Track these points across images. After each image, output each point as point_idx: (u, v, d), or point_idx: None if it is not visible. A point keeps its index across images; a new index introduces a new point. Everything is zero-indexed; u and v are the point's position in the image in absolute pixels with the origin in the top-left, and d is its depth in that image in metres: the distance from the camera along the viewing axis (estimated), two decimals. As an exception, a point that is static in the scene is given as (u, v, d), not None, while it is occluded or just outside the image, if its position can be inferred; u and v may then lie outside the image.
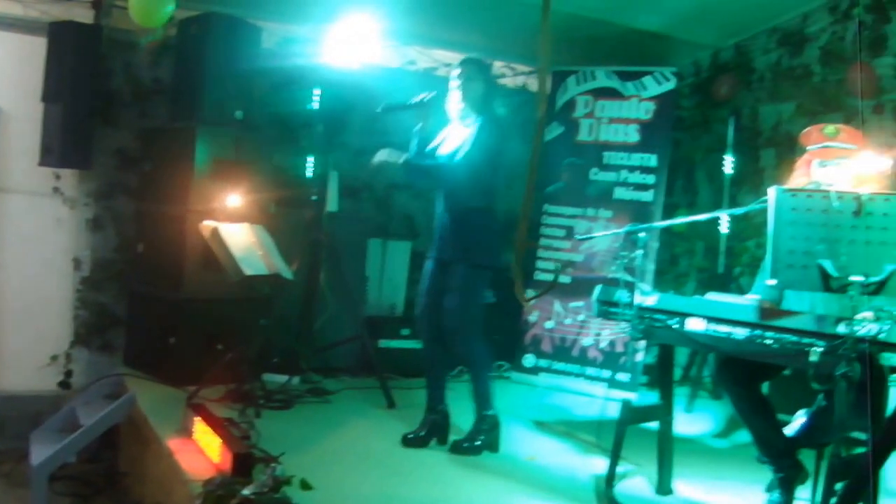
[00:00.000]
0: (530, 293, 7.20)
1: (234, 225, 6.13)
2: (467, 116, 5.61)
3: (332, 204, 7.23)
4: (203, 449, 4.94)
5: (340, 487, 4.76)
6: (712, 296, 4.64)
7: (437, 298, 5.58)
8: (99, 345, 7.31)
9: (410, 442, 5.63)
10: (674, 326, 4.53)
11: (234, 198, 6.39)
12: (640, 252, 5.05)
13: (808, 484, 4.57)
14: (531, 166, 4.57)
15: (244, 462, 4.48)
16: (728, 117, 8.23)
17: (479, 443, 5.58)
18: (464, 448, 5.56)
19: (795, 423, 4.78)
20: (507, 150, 5.62)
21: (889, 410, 4.10)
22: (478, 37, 8.49)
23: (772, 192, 3.94)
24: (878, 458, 2.81)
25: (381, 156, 5.60)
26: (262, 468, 4.49)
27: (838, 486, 3.66)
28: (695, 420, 6.97)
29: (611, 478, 4.71)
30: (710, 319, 4.37)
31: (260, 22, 7.15)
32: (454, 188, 5.57)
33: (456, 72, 5.66)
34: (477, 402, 5.67)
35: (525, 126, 9.25)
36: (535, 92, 9.20)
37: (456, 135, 5.61)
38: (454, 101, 5.64)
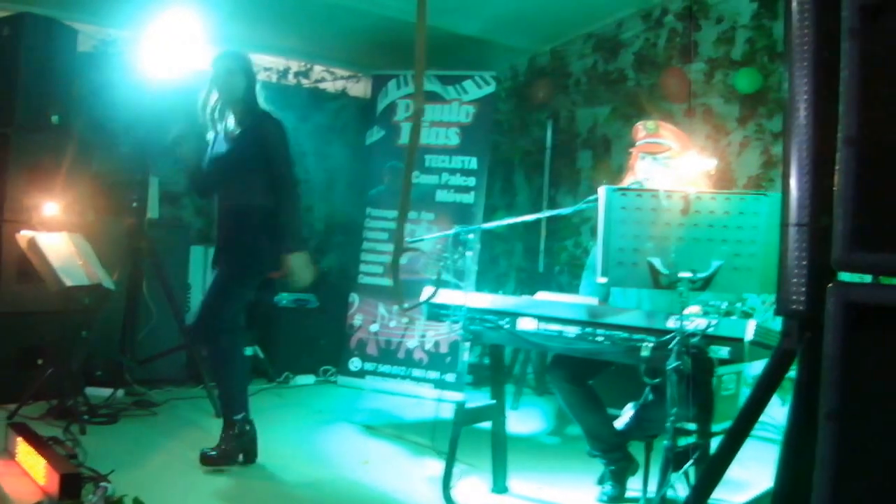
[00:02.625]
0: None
1: (52, 234, 5.92)
2: (230, 114, 5.43)
3: (152, 210, 7.06)
4: (27, 471, 4.69)
5: (175, 502, 4.65)
6: (542, 295, 4.72)
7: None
8: None
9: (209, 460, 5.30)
10: (505, 327, 4.59)
11: (52, 206, 6.18)
12: (469, 253, 5.10)
13: (640, 474, 4.70)
14: (407, 168, 4.51)
15: (72, 482, 4.28)
16: (546, 120, 8.43)
17: (225, 449, 5.17)
18: (210, 457, 5.13)
19: (624, 416, 4.92)
20: (273, 148, 5.36)
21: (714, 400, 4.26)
22: (297, 41, 8.47)
23: (602, 191, 4.04)
24: (729, 451, 2.90)
25: (178, 129, 5.43)
26: (91, 488, 4.34)
27: (673, 476, 3.77)
28: (522, 417, 7.09)
29: (447, 479, 4.74)
30: (542, 319, 4.45)
31: (76, 24, 6.90)
32: (224, 191, 5.43)
33: (213, 67, 5.40)
34: (222, 406, 5.39)
35: (345, 131, 9.32)
36: (354, 96, 9.25)
37: (222, 136, 5.45)
38: (216, 99, 5.42)
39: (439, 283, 4.78)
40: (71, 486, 4.28)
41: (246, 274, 5.40)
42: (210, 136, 5.52)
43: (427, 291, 4.85)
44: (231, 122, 5.43)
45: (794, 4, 2.46)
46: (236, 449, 5.23)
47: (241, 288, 5.42)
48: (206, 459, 5.12)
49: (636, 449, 4.81)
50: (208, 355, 5.41)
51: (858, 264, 2.13)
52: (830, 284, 2.14)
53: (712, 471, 3.01)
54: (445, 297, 4.85)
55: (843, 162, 2.11)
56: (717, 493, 3.18)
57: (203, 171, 5.49)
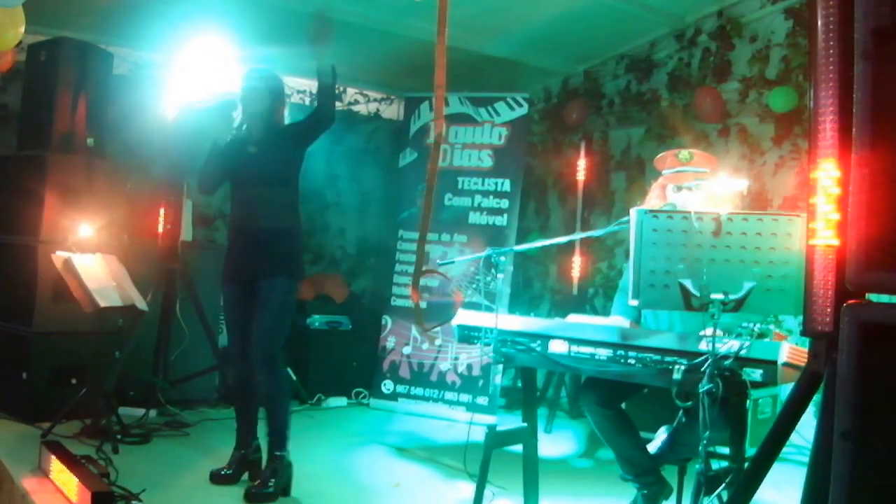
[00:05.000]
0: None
1: (86, 255, 5.97)
2: (255, 128, 5.38)
3: (186, 233, 7.09)
4: (60, 488, 4.73)
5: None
6: (574, 317, 4.69)
7: (246, 324, 5.29)
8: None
9: (218, 479, 5.31)
10: (537, 349, 4.55)
11: (87, 227, 6.22)
12: (500, 276, 5.07)
13: (672, 499, 4.64)
14: (427, 188, 4.47)
15: (104, 501, 4.31)
16: (579, 142, 8.38)
17: (271, 488, 5.08)
18: (255, 495, 5.04)
19: (657, 440, 4.85)
20: (297, 161, 5.38)
21: (749, 423, 4.21)
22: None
23: (633, 213, 4.00)
24: (758, 473, 2.86)
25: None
26: (122, 505, 4.36)
27: (705, 500, 3.71)
28: (555, 440, 7.03)
29: (478, 501, 4.69)
30: (573, 341, 4.41)
31: (111, 47, 7.00)
32: (252, 202, 5.33)
33: (241, 82, 5.40)
34: (272, 440, 5.20)
35: (378, 153, 9.34)
36: (387, 119, 9.27)
37: (247, 146, 5.37)
38: (243, 112, 5.40)
39: (455, 305, 4.76)
40: None
41: (294, 295, 5.39)
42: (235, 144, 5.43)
43: (460, 313, 4.84)
44: (253, 137, 5.37)
45: (819, 23, 2.43)
46: (279, 487, 5.14)
47: (291, 310, 5.41)
48: (253, 498, 5.04)
49: (669, 473, 4.75)
50: (267, 385, 5.18)
51: (872, 284, 2.10)
52: (845, 304, 2.11)
53: (741, 494, 2.97)
54: (477, 319, 4.83)
55: (854, 182, 2.08)
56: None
57: (216, 158, 5.43)
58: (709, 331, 3.88)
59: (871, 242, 2.07)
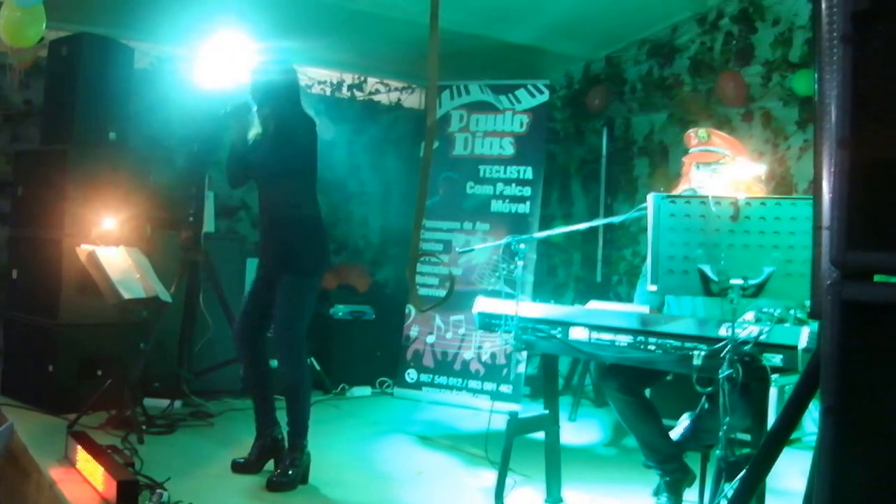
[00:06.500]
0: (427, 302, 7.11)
1: (110, 248, 5.99)
2: (267, 119, 5.31)
3: (208, 224, 7.10)
4: (86, 478, 4.77)
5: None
6: (594, 304, 4.67)
7: (258, 315, 5.33)
8: (-26, 374, 7.06)
9: (240, 468, 5.33)
10: (557, 336, 4.54)
11: (110, 220, 6.23)
12: (520, 263, 5.05)
13: (696, 486, 4.62)
14: (423, 176, 4.48)
15: (129, 489, 4.34)
16: (601, 128, 8.35)
17: (291, 477, 5.10)
18: (276, 483, 5.04)
19: (680, 426, 4.83)
20: (303, 155, 5.30)
21: (772, 410, 4.17)
22: (350, 54, 8.48)
23: (651, 199, 3.98)
24: (766, 459, 2.84)
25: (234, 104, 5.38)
26: (147, 494, 4.40)
27: (726, 486, 3.69)
28: (580, 428, 7.02)
29: (500, 489, 4.70)
30: (594, 328, 4.40)
31: (132, 42, 7.02)
32: (264, 197, 5.39)
33: (251, 75, 5.39)
34: (291, 430, 5.22)
35: (399, 142, 9.33)
36: (408, 108, 9.26)
37: (258, 140, 5.33)
38: (258, 107, 5.34)
39: (452, 288, 4.77)
40: (128, 493, 4.33)
41: (306, 290, 5.36)
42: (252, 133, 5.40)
43: (482, 301, 4.85)
44: (261, 125, 5.33)
45: (824, 8, 2.43)
46: (298, 475, 5.17)
47: (313, 301, 5.40)
48: (274, 486, 5.05)
49: (692, 460, 4.72)
50: (291, 377, 5.20)
51: (854, 263, 2.12)
52: (827, 283, 2.13)
53: (750, 480, 2.96)
54: (498, 306, 4.82)
55: (837, 164, 2.10)
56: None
57: (236, 159, 5.43)
58: (749, 315, 3.86)
59: (854, 222, 2.09)
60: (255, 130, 5.34)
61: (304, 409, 5.25)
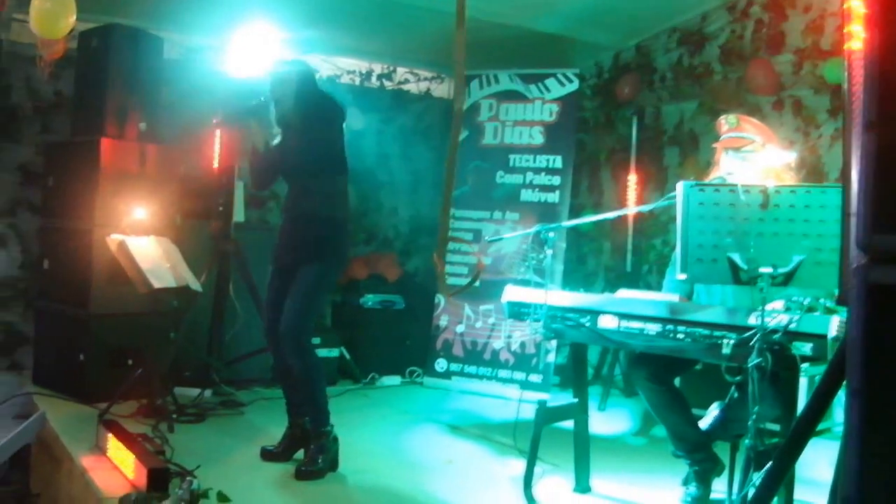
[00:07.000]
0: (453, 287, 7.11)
1: (140, 238, 6.02)
2: (286, 118, 5.34)
3: (238, 214, 7.14)
4: (117, 465, 4.83)
5: (258, 498, 4.69)
6: (623, 292, 4.66)
7: (276, 306, 5.33)
8: (6, 364, 7.18)
9: (269, 456, 5.37)
10: (586, 325, 4.54)
11: (140, 210, 6.27)
12: (549, 252, 5.04)
13: (725, 476, 4.60)
14: (449, 163, 4.49)
15: (160, 477, 4.38)
16: (631, 117, 8.31)
17: (319, 465, 5.14)
18: (304, 472, 5.09)
19: (709, 416, 4.81)
20: (326, 146, 5.29)
21: (801, 399, 4.15)
22: (380, 44, 8.48)
23: (680, 187, 3.97)
24: (794, 448, 2.83)
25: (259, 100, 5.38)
26: (178, 482, 4.42)
27: (755, 476, 3.67)
28: (609, 418, 7.01)
29: (528, 477, 4.70)
30: (623, 316, 4.39)
31: (162, 32, 7.04)
32: (290, 190, 5.41)
33: (271, 74, 5.40)
34: (312, 418, 5.26)
35: (428, 132, 9.32)
36: (438, 97, 9.26)
37: (283, 136, 5.38)
38: (274, 104, 5.36)
39: (477, 275, 4.76)
40: (158, 480, 4.37)
41: (327, 280, 5.39)
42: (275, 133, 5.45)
43: (511, 290, 4.86)
44: (284, 121, 5.36)
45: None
46: (327, 462, 5.20)
47: (326, 297, 5.40)
48: (303, 474, 5.09)
49: (721, 450, 4.71)
50: (299, 368, 5.21)
51: (880, 246, 2.10)
52: (854, 266, 2.12)
53: (778, 469, 2.95)
54: (527, 295, 4.82)
55: (863, 147, 2.09)
56: (804, 495, 3.11)
57: (260, 161, 5.47)
58: (778, 304, 3.84)
59: (879, 205, 2.07)
60: (275, 129, 5.39)
61: (321, 397, 5.28)
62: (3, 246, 7.20)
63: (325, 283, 5.36)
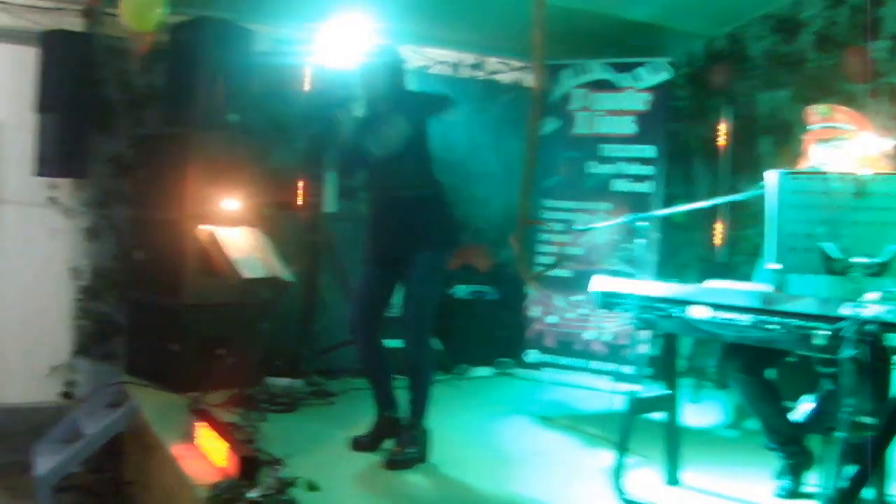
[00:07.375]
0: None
1: (231, 229, 6.08)
2: (378, 106, 5.33)
3: (330, 204, 7.19)
4: (207, 454, 4.93)
5: (346, 488, 4.76)
6: (713, 283, 4.60)
7: (378, 300, 5.41)
8: (100, 354, 7.31)
9: (359, 445, 5.42)
10: (676, 315, 4.50)
11: (231, 201, 6.34)
12: (641, 242, 5.01)
13: (817, 469, 4.54)
14: (529, 150, 4.51)
15: (250, 465, 4.45)
16: (723, 106, 8.20)
17: (410, 455, 5.20)
18: (394, 462, 5.15)
19: (802, 408, 4.75)
20: (420, 132, 5.29)
21: (892, 391, 4.07)
22: (470, 34, 8.48)
23: (772, 176, 3.92)
24: (883, 441, 2.78)
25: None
26: (267, 470, 4.48)
27: (847, 470, 3.62)
28: (701, 410, 6.92)
29: (618, 469, 4.68)
30: (714, 307, 4.34)
31: (251, 25, 7.11)
32: (393, 178, 5.36)
33: (363, 63, 5.39)
34: (412, 409, 5.29)
35: (519, 122, 9.27)
36: (529, 87, 9.21)
37: (378, 125, 5.30)
38: (368, 93, 5.36)
39: (559, 261, 4.71)
40: (249, 469, 4.44)
41: (443, 266, 5.43)
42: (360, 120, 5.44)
43: (600, 279, 4.84)
44: (385, 111, 5.32)
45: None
46: (419, 451, 5.25)
47: (443, 280, 5.48)
48: (393, 464, 5.14)
49: (814, 443, 4.64)
50: (417, 358, 5.26)
51: None
52: None
53: (869, 461, 2.90)
54: (617, 285, 4.80)
55: None
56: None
57: (349, 152, 5.52)
58: (873, 294, 3.75)
59: None
60: (362, 114, 5.39)
61: (427, 390, 5.30)
62: (96, 237, 7.33)
63: (443, 269, 5.43)
